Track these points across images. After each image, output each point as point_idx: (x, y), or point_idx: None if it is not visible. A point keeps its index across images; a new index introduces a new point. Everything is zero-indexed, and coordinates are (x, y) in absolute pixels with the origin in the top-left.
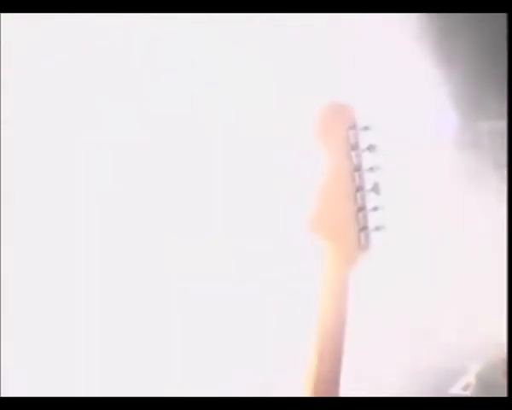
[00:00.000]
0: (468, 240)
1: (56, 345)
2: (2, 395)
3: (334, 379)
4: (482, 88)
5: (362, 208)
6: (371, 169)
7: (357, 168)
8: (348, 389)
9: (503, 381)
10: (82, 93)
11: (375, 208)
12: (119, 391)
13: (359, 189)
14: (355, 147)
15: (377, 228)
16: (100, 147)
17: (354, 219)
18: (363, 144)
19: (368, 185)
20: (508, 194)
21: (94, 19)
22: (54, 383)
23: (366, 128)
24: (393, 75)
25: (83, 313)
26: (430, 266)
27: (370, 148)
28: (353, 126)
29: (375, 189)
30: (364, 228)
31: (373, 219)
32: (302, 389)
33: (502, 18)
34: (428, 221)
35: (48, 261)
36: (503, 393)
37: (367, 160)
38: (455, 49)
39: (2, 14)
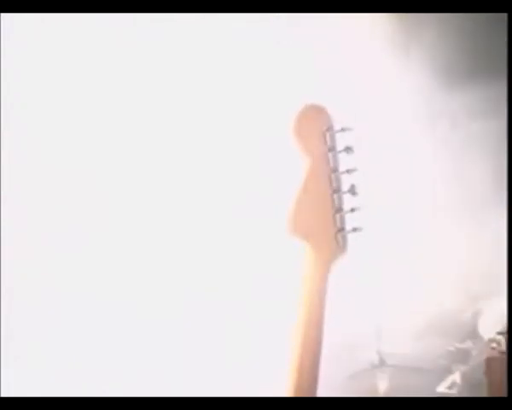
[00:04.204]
0: (448, 242)
1: (56, 345)
2: (2, 395)
3: (314, 377)
4: (470, 87)
5: (339, 210)
6: (348, 171)
7: (334, 170)
8: (330, 387)
9: (486, 381)
10: (81, 93)
11: (352, 210)
12: (119, 391)
13: (336, 190)
14: (332, 149)
15: (354, 229)
16: (98, 147)
17: (331, 221)
18: (339, 146)
19: (344, 187)
20: (508, 194)
21: (94, 19)
22: (54, 383)
23: (343, 130)
24: (371, 76)
25: (83, 314)
26: (408, 267)
27: (347, 149)
28: (330, 128)
29: (352, 190)
30: (341, 229)
31: (350, 221)
32: (284, 387)
33: (502, 18)
34: (406, 222)
35: (48, 261)
36: (490, 393)
37: (344, 161)
38: (443, 50)
39: (2, 14)
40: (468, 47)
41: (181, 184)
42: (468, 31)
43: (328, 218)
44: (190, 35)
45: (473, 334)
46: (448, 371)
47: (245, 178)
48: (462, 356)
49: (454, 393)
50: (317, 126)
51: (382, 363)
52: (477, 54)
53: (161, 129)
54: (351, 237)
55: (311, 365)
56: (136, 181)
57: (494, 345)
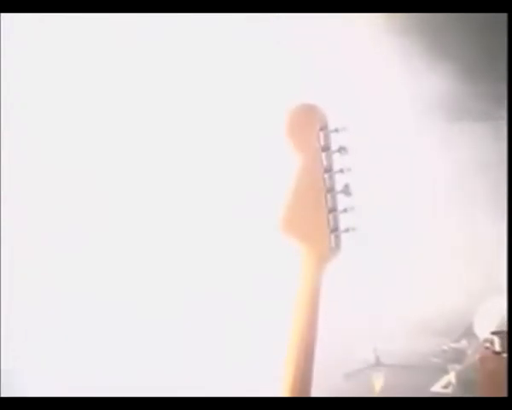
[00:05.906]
0: (441, 242)
1: (56, 345)
2: (3, 395)
3: (308, 376)
4: (465, 88)
5: (332, 210)
6: (341, 171)
7: (328, 170)
8: (326, 386)
9: (479, 380)
10: (81, 93)
11: (346, 210)
12: (119, 391)
13: (330, 190)
14: (325, 148)
15: (348, 229)
16: (98, 147)
17: (325, 221)
18: (333, 146)
19: (338, 187)
20: (508, 195)
21: (94, 19)
22: (54, 383)
23: (337, 130)
24: (371, 76)
25: (83, 314)
26: (401, 267)
27: (341, 149)
28: (324, 128)
29: (346, 190)
30: (335, 229)
31: (343, 221)
32: (279, 387)
33: (501, 18)
34: (399, 222)
35: (47, 261)
36: (482, 392)
37: (337, 161)
38: (438, 49)
39: (2, 14)
40: (468, 46)
41: (179, 184)
42: (468, 30)
43: (321, 218)
44: (190, 35)
45: (468, 333)
46: (443, 371)
47: (239, 178)
48: (458, 356)
49: (449, 392)
50: (310, 125)
51: (378, 362)
52: (477, 53)
53: (160, 128)
54: (349, 237)
55: (305, 364)
56: (134, 182)
57: (488, 345)
